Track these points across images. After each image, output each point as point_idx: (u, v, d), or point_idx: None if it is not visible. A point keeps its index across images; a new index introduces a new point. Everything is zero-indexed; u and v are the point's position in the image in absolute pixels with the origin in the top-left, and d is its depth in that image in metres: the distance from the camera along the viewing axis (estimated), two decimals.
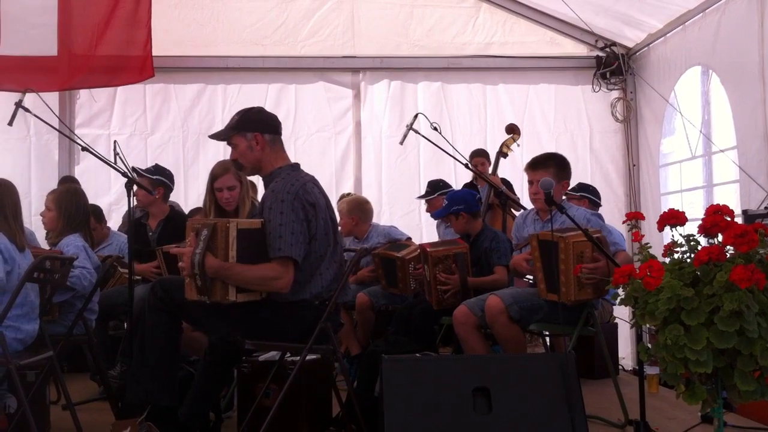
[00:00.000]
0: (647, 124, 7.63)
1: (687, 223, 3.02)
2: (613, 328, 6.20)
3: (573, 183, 5.10)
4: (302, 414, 4.08)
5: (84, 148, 4.81)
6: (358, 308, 5.88)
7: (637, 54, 7.68)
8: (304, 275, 3.70)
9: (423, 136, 6.10)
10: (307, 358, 3.81)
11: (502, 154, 6.58)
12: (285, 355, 4.13)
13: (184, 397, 3.91)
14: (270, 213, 3.64)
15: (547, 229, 4.27)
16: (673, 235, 2.99)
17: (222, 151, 6.84)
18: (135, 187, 4.90)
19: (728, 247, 2.80)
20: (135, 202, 5.35)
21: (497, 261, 5.22)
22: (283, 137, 3.97)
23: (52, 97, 6.84)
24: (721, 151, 6.27)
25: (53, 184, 6.79)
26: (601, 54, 7.78)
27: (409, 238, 6.25)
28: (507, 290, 4.59)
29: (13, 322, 3.77)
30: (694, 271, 2.81)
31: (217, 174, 4.91)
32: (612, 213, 7.08)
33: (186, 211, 6.27)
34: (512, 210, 6.45)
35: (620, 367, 6.40)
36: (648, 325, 2.88)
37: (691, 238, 2.94)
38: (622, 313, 6.21)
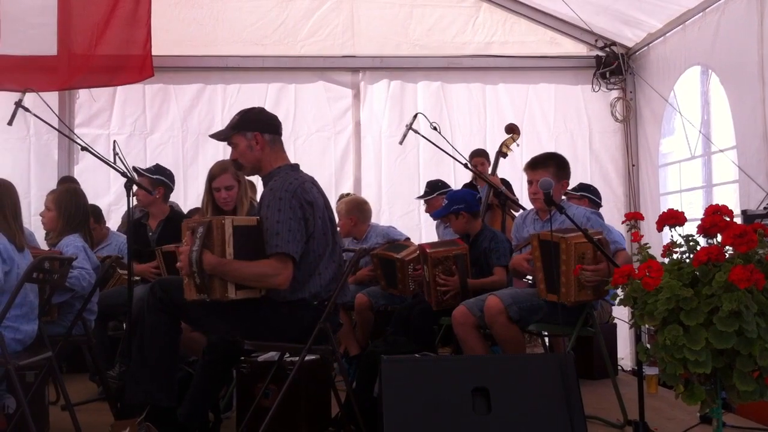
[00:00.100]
0: (647, 123, 7.63)
1: (686, 224, 3.01)
2: (612, 329, 6.21)
3: (572, 183, 5.09)
4: (301, 414, 4.08)
5: (83, 148, 4.81)
6: (357, 308, 5.88)
7: (637, 54, 7.68)
8: (302, 274, 3.70)
9: (422, 136, 6.10)
10: (306, 358, 3.81)
11: (501, 153, 6.58)
12: (284, 356, 4.13)
13: (183, 397, 3.91)
14: (268, 210, 3.65)
15: (547, 229, 4.27)
16: (672, 236, 2.99)
17: (221, 151, 6.84)
18: (135, 187, 4.90)
19: (727, 247, 2.80)
20: (135, 202, 5.36)
21: (496, 261, 5.22)
22: (282, 137, 3.97)
23: (52, 97, 6.84)
24: (721, 151, 6.26)
25: (53, 184, 6.79)
26: (600, 54, 7.78)
27: (408, 239, 6.25)
28: (506, 290, 4.59)
29: (12, 322, 3.77)
30: (693, 272, 2.81)
31: (215, 174, 4.92)
32: (611, 213, 7.07)
33: (185, 211, 6.26)
34: (511, 210, 6.45)
35: (619, 367, 6.40)
36: (647, 326, 2.88)
37: (690, 238, 2.94)
38: (621, 314, 6.21)
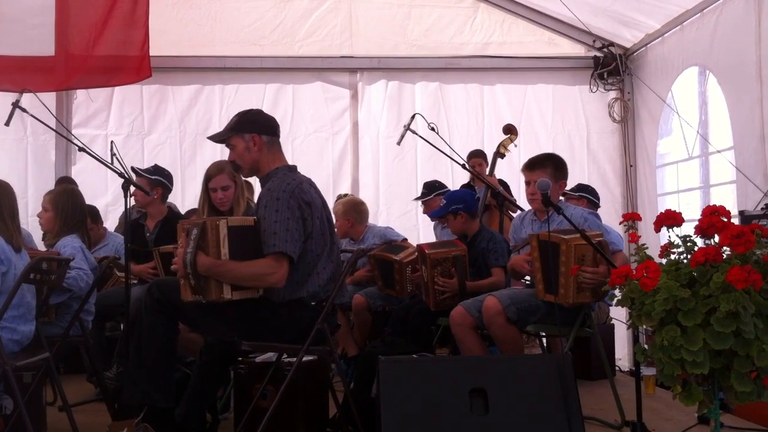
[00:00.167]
0: (644, 124, 7.64)
1: (684, 224, 3.01)
2: (610, 329, 6.21)
3: (570, 183, 5.09)
4: (299, 415, 4.08)
5: (81, 149, 4.81)
6: (355, 309, 5.88)
7: (635, 54, 7.69)
8: (300, 274, 3.70)
9: (420, 137, 6.10)
10: (304, 359, 3.81)
11: (499, 154, 6.58)
12: (282, 356, 4.13)
13: (180, 398, 3.91)
14: (265, 210, 3.65)
15: (545, 229, 4.27)
16: (669, 236, 2.99)
17: (219, 152, 6.84)
18: (132, 188, 4.90)
19: (725, 248, 2.80)
20: (132, 203, 5.36)
21: (494, 262, 5.21)
22: (280, 138, 3.97)
23: (50, 98, 6.83)
24: (718, 151, 6.27)
25: (50, 185, 6.79)
26: (598, 54, 7.79)
27: (405, 239, 6.24)
28: (504, 291, 4.58)
29: (9, 323, 3.76)
30: (690, 272, 2.81)
31: (211, 174, 4.93)
32: (609, 213, 7.08)
33: (183, 212, 6.26)
34: (509, 211, 6.45)
35: (617, 368, 6.39)
36: (644, 326, 2.88)
37: (687, 238, 2.94)
38: (618, 314, 6.21)
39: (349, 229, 6.15)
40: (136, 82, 7.44)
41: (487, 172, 6.60)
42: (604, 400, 4.81)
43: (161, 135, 7.83)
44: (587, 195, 6.17)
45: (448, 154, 6.00)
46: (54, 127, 6.05)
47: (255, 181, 4.26)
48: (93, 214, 5.70)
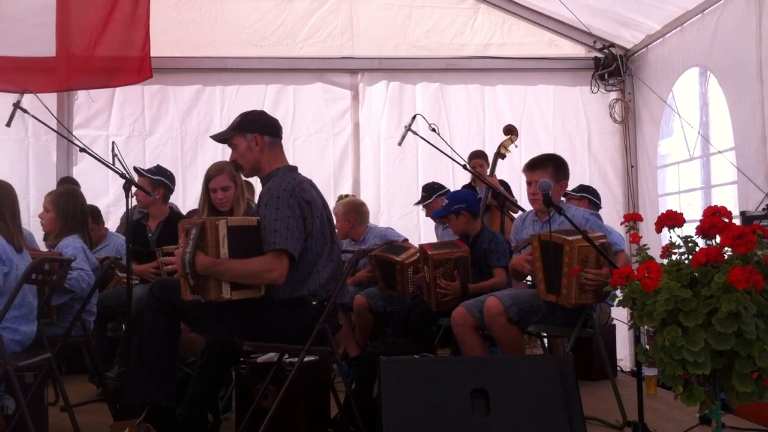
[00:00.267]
0: (645, 125, 7.64)
1: (685, 225, 3.02)
2: (611, 330, 6.21)
3: (571, 184, 5.09)
4: (300, 415, 4.08)
5: (82, 149, 4.82)
6: (356, 310, 5.88)
7: (636, 55, 7.69)
8: (300, 273, 3.71)
9: (421, 137, 6.10)
10: (306, 359, 3.81)
11: (500, 155, 6.58)
12: (283, 357, 4.13)
13: (182, 398, 3.91)
14: (266, 209, 3.66)
15: (546, 230, 4.27)
16: (671, 237, 2.99)
17: (220, 152, 6.85)
18: (134, 188, 4.91)
19: (726, 248, 2.80)
20: (134, 203, 5.36)
21: (496, 263, 5.21)
22: (282, 139, 3.98)
23: (50, 98, 6.84)
24: (719, 152, 6.27)
25: (51, 186, 6.79)
26: (599, 55, 7.78)
27: (406, 240, 6.24)
28: (506, 291, 4.58)
29: (11, 323, 3.76)
30: (692, 273, 2.81)
31: (211, 174, 4.94)
32: (610, 214, 7.07)
33: (183, 212, 6.26)
34: (510, 211, 6.45)
35: (618, 368, 6.39)
36: (646, 327, 2.88)
37: (689, 239, 2.94)
38: (620, 315, 6.21)
39: (349, 230, 6.15)
40: (137, 82, 7.44)
41: (488, 173, 6.60)
42: (605, 400, 4.81)
43: (162, 136, 7.83)
44: (588, 195, 6.17)
45: (449, 154, 6.00)
46: (55, 128, 6.05)
47: (255, 182, 4.27)
48: (94, 214, 5.70)
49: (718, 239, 2.85)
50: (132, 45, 7.26)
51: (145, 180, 5.41)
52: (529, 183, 4.64)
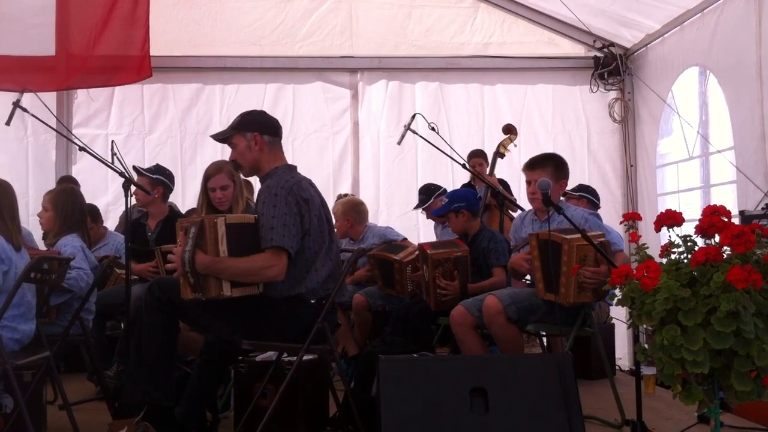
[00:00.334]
0: (645, 124, 7.64)
1: (684, 224, 3.02)
2: (610, 329, 6.21)
3: (570, 184, 5.09)
4: (299, 414, 4.08)
5: (81, 148, 4.81)
6: (355, 309, 5.88)
7: (635, 54, 7.69)
8: (298, 271, 3.72)
9: (421, 137, 6.10)
10: (304, 358, 3.81)
11: (499, 154, 6.57)
12: (282, 355, 4.13)
13: (180, 397, 3.91)
14: (264, 206, 3.68)
15: (545, 229, 4.27)
16: (670, 236, 2.99)
17: (220, 152, 6.85)
18: (133, 187, 4.90)
19: (725, 247, 2.80)
20: (134, 202, 5.36)
21: (495, 262, 5.21)
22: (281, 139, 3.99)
23: (50, 97, 6.83)
24: (719, 151, 6.27)
25: (51, 184, 6.79)
26: (599, 54, 7.78)
27: (405, 239, 6.24)
28: (505, 290, 4.58)
29: (10, 322, 3.76)
30: (691, 272, 2.81)
31: (210, 173, 4.94)
32: (609, 213, 7.08)
33: (183, 211, 6.26)
34: (509, 211, 6.44)
35: (617, 367, 6.39)
36: (645, 326, 2.88)
37: (688, 238, 2.94)
38: (619, 314, 6.21)
39: (348, 229, 6.15)
40: (137, 81, 7.45)
41: (488, 172, 6.60)
42: (604, 399, 4.81)
43: (162, 135, 7.83)
44: (587, 195, 6.18)
45: (449, 153, 6.00)
46: (54, 127, 6.05)
47: (255, 181, 4.27)
48: (93, 213, 5.70)
49: (717, 238, 2.85)
50: (131, 44, 7.26)
51: (144, 179, 5.41)
52: (528, 182, 4.64)
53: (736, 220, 4.01)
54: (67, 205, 4.68)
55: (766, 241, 2.84)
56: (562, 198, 4.84)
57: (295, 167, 3.96)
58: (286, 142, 4.16)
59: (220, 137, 3.97)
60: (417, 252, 5.53)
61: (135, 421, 3.64)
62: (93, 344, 4.74)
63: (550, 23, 7.87)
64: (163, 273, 5.04)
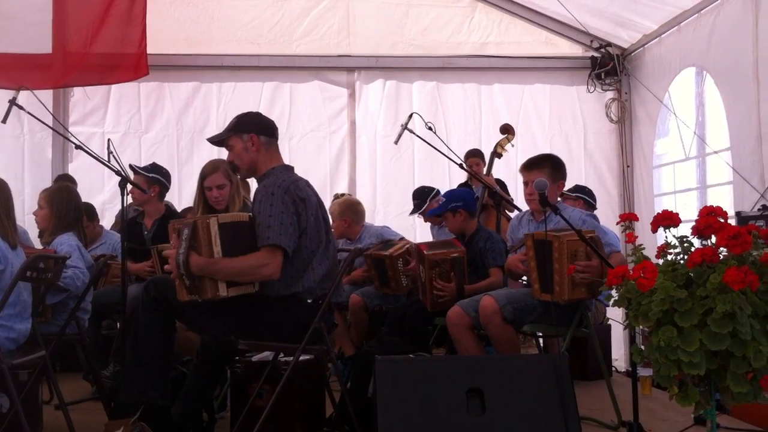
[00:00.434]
0: (641, 125, 7.64)
1: (680, 225, 3.02)
2: (607, 330, 6.21)
3: (567, 184, 5.10)
4: (295, 414, 4.08)
5: (78, 147, 4.80)
6: (352, 309, 5.88)
7: (632, 55, 7.69)
8: (295, 270, 3.71)
9: (418, 136, 6.09)
10: (301, 358, 3.80)
11: (496, 154, 6.57)
12: (278, 356, 4.13)
13: (177, 397, 3.91)
14: (260, 205, 3.68)
15: (542, 229, 4.27)
16: (666, 237, 2.99)
17: (216, 150, 6.79)
18: (129, 186, 4.90)
19: (721, 248, 2.80)
20: (130, 200, 5.35)
21: (492, 262, 5.21)
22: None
23: (46, 95, 6.81)
24: (715, 152, 6.28)
25: (47, 183, 6.78)
26: (596, 54, 7.79)
27: (402, 238, 6.23)
28: (501, 291, 4.59)
29: (6, 321, 3.75)
30: (687, 273, 2.81)
31: (206, 172, 4.93)
32: (606, 214, 7.07)
33: (179, 210, 6.25)
34: (506, 211, 6.45)
35: (613, 368, 6.41)
36: (641, 327, 2.88)
37: (684, 239, 2.94)
38: (615, 315, 6.22)
39: (345, 230, 6.14)
40: (134, 79, 7.43)
41: (485, 172, 6.60)
42: (600, 400, 4.81)
43: (158, 133, 7.82)
44: (584, 196, 6.18)
45: (446, 153, 5.99)
46: (51, 125, 6.03)
47: (252, 180, 4.26)
48: (89, 212, 5.68)
49: (713, 239, 2.85)
50: (128, 42, 7.25)
51: (140, 177, 5.40)
52: (525, 183, 4.64)
53: (732, 221, 4.01)
54: (62, 204, 4.67)
55: (763, 242, 2.84)
56: (559, 199, 4.84)
57: (292, 168, 3.96)
58: (282, 141, 4.16)
59: (216, 140, 3.97)
60: (407, 245, 5.56)
61: (131, 421, 3.64)
62: (89, 344, 4.73)
63: (548, 23, 7.87)
64: (160, 272, 5.03)
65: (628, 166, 7.81)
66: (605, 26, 7.53)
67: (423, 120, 5.94)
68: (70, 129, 7.18)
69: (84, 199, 5.17)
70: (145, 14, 7.19)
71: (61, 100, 7.67)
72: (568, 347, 4.39)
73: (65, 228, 4.60)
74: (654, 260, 2.94)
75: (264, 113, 4.15)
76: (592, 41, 7.76)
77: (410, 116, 6.05)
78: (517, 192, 6.80)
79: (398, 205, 7.72)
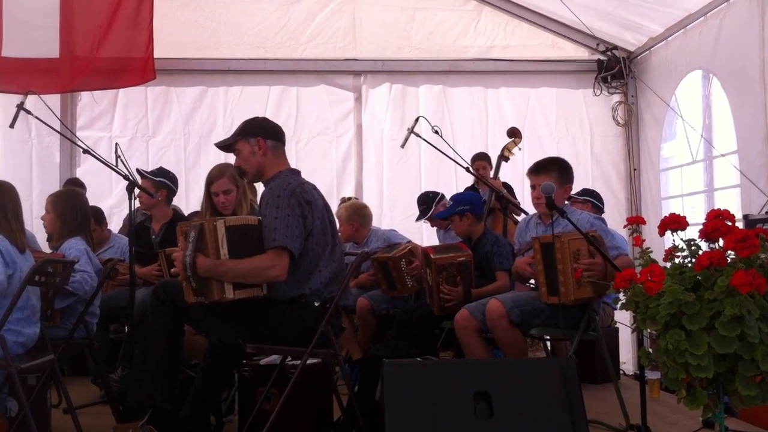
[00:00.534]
0: (648, 128, 7.64)
1: (688, 228, 3.02)
2: (614, 333, 6.20)
3: (574, 187, 5.09)
4: (303, 418, 4.08)
5: (85, 151, 4.82)
6: (359, 312, 5.88)
7: (639, 58, 7.69)
8: (302, 272, 3.73)
9: (424, 140, 6.10)
10: (308, 362, 3.81)
11: (503, 157, 6.57)
12: (286, 359, 4.13)
13: (184, 400, 3.91)
14: (267, 208, 3.69)
15: (549, 233, 4.27)
16: (674, 240, 2.99)
17: (223, 154, 6.78)
18: (137, 190, 4.91)
19: (729, 251, 2.80)
20: (137, 205, 5.37)
21: (499, 266, 5.20)
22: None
23: (54, 100, 6.83)
24: (722, 155, 6.26)
25: (55, 187, 6.80)
26: (602, 57, 7.78)
27: (409, 242, 6.23)
28: (508, 294, 4.58)
29: (15, 325, 3.77)
30: (695, 276, 2.81)
31: (213, 178, 4.94)
32: (613, 217, 7.07)
33: (186, 214, 6.27)
34: (513, 214, 6.44)
35: (621, 371, 6.39)
36: (649, 330, 2.88)
37: (692, 242, 2.94)
38: (623, 318, 6.20)
39: (353, 234, 6.13)
40: (141, 84, 7.45)
41: (492, 175, 6.60)
42: (608, 403, 4.80)
43: (165, 137, 7.83)
44: (592, 199, 6.18)
45: (452, 157, 5.99)
46: (58, 129, 6.06)
47: (259, 183, 4.27)
48: (97, 215, 5.70)
49: (721, 242, 2.85)
50: (135, 46, 7.27)
51: (147, 182, 5.42)
52: (533, 186, 4.63)
53: (740, 224, 4.00)
54: (67, 208, 4.69)
55: None
56: (567, 202, 4.84)
57: (298, 171, 3.98)
58: (289, 145, 4.17)
59: (223, 144, 3.99)
60: (410, 247, 5.61)
61: (139, 424, 3.65)
62: (97, 347, 4.75)
63: (554, 26, 7.87)
64: (167, 276, 5.04)
65: (635, 169, 7.80)
66: (611, 29, 7.53)
67: (429, 123, 5.94)
68: (77, 133, 7.20)
69: (92, 203, 5.19)
70: (151, 18, 7.21)
71: (68, 105, 7.69)
72: (575, 350, 4.39)
73: (71, 232, 4.62)
74: (661, 263, 2.94)
75: (271, 117, 4.17)
76: (598, 44, 7.76)
77: (417, 120, 6.05)
78: (524, 195, 6.79)
79: (405, 208, 7.72)
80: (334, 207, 5.40)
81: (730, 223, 2.88)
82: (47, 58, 7.12)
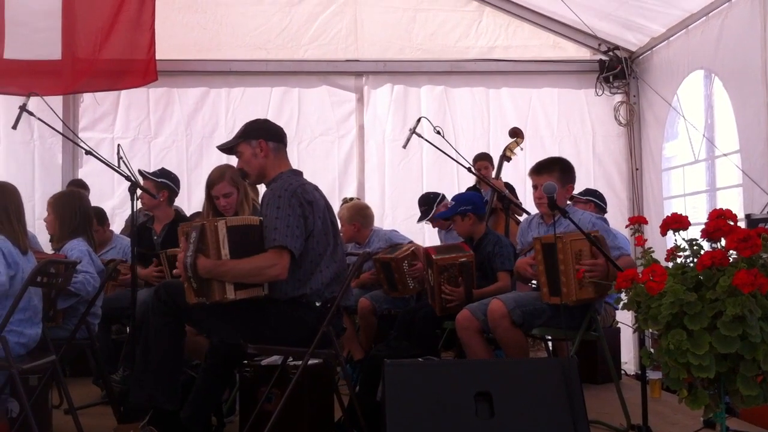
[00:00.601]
0: (650, 128, 7.63)
1: (690, 228, 3.01)
2: (616, 333, 6.19)
3: (576, 187, 5.09)
4: (304, 419, 4.08)
5: (88, 152, 4.83)
6: (361, 313, 5.88)
7: (640, 58, 7.68)
8: (303, 272, 3.73)
9: (426, 140, 6.10)
10: (310, 362, 3.81)
11: (505, 158, 6.57)
12: (287, 360, 4.13)
13: (186, 401, 3.92)
14: (267, 208, 3.70)
15: (551, 233, 4.27)
16: (676, 240, 2.99)
17: (225, 155, 6.82)
18: (138, 191, 4.91)
19: (731, 251, 2.79)
20: (140, 206, 5.37)
21: (501, 266, 5.20)
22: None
23: (56, 101, 6.84)
24: (724, 155, 6.26)
25: (57, 188, 6.80)
26: (604, 58, 7.78)
27: (411, 242, 6.23)
28: (510, 294, 4.58)
29: (16, 326, 3.77)
30: (696, 276, 2.81)
31: (213, 181, 4.94)
32: (615, 217, 7.05)
33: (188, 215, 6.27)
34: (515, 214, 6.44)
35: (623, 371, 6.38)
36: (650, 330, 2.88)
37: (694, 242, 2.94)
38: (624, 318, 6.19)
39: (355, 234, 6.13)
40: (143, 85, 7.47)
41: (493, 176, 6.60)
42: (609, 403, 4.80)
43: (167, 138, 7.85)
44: (594, 199, 6.16)
45: (454, 157, 6.00)
46: (61, 131, 6.07)
47: (262, 186, 4.27)
48: (99, 216, 5.70)
49: (723, 242, 2.84)
50: (137, 48, 7.28)
51: (149, 183, 5.42)
52: (535, 186, 4.63)
53: (742, 224, 4.00)
54: (66, 209, 4.69)
55: None
56: (569, 202, 4.83)
57: (300, 172, 3.98)
58: (291, 146, 4.17)
59: (225, 147, 3.99)
60: (412, 248, 5.61)
61: (140, 425, 3.65)
62: (99, 348, 4.75)
63: (555, 27, 7.87)
64: (169, 277, 5.04)
65: (637, 169, 7.80)
66: (613, 29, 7.52)
67: (431, 124, 5.94)
68: (79, 135, 7.20)
69: (94, 203, 5.20)
70: (153, 20, 7.23)
71: (70, 106, 7.70)
72: (577, 350, 4.38)
73: (72, 233, 4.62)
74: (663, 263, 2.93)
75: (272, 118, 4.19)
76: (600, 44, 7.76)
77: (418, 120, 6.06)
78: (526, 195, 6.80)
79: (407, 209, 7.72)
80: (336, 207, 5.40)
81: (732, 223, 2.88)
82: (49, 60, 7.14)
